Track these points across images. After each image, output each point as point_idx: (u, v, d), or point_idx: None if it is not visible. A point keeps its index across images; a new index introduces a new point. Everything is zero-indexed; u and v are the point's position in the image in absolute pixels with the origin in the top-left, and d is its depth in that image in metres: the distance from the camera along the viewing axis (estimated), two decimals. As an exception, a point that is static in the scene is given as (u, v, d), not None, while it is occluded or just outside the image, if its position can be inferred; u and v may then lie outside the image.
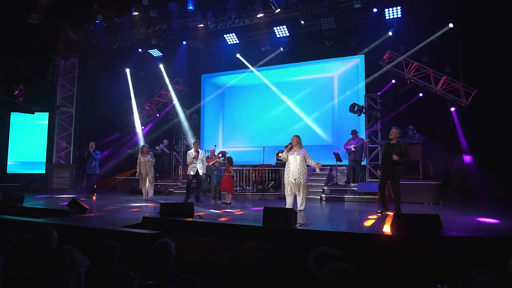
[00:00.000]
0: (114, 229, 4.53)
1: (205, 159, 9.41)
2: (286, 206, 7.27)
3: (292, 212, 4.85)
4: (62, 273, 1.57)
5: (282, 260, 4.52)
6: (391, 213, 6.71)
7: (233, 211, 7.38)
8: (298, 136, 7.43)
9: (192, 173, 8.99)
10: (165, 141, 13.63)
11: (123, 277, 2.48)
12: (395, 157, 6.59)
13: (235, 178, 10.78)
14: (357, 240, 4.33)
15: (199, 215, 5.95)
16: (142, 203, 8.90)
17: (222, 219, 6.15)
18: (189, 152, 9.19)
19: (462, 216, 6.67)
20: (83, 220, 5.81)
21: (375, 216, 6.47)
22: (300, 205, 7.17)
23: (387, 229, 4.94)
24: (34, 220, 4.89)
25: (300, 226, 5.00)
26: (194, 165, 8.95)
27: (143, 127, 14.46)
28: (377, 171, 7.27)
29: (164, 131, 14.20)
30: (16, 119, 12.92)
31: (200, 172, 9.00)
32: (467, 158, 10.26)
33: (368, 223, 5.73)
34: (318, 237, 4.44)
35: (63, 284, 1.56)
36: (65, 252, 1.67)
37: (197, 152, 9.04)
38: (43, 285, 1.54)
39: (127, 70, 14.21)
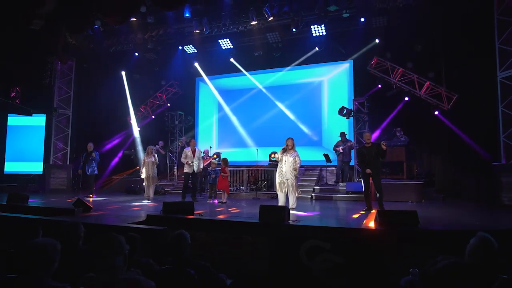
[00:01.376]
0: (125, 225, 4.95)
1: (201, 158, 9.81)
2: (279, 204, 7.76)
3: (286, 209, 5.33)
4: (113, 251, 2.02)
5: (276, 252, 4.98)
6: (374, 211, 7.25)
7: (230, 209, 7.84)
8: (292, 139, 7.85)
9: (189, 171, 9.38)
10: (161, 143, 13.99)
11: (145, 263, 2.92)
12: (383, 146, 7.19)
13: (230, 178, 11.25)
14: (344, 234, 4.83)
15: (199, 213, 6.38)
16: (141, 202, 9.28)
17: (220, 216, 6.60)
18: (185, 149, 9.58)
19: (441, 212, 7.25)
20: (91, 218, 6.20)
21: (361, 213, 7.00)
22: (292, 204, 7.65)
23: (371, 224, 5.46)
24: (57, 219, 5.26)
25: (293, 222, 5.48)
26: (191, 163, 9.34)
27: (139, 129, 14.80)
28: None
29: (159, 133, 14.56)
30: (13, 120, 13.18)
31: (196, 170, 9.40)
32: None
33: (354, 218, 6.25)
34: (309, 232, 4.92)
35: (114, 260, 2.00)
36: (113, 237, 2.11)
37: (194, 150, 9.45)
38: (99, 262, 1.99)
39: (123, 73, 14.55)
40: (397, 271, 4.33)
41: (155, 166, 10.02)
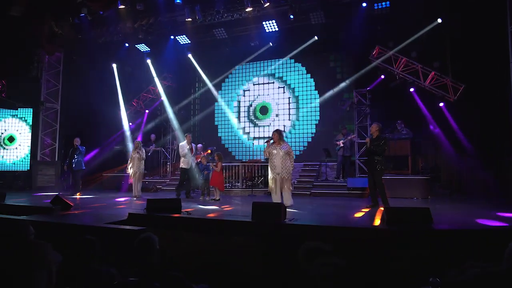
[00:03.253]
0: (97, 225, 4.39)
1: (195, 153, 9.28)
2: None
3: (282, 207, 4.76)
4: (32, 266, 1.47)
5: (271, 255, 4.44)
6: (381, 208, 6.70)
7: (222, 207, 7.28)
8: (278, 131, 7.23)
9: (185, 166, 8.85)
10: (153, 136, 13.47)
11: (103, 273, 2.35)
12: (367, 140, 6.69)
13: (226, 174, 10.68)
14: (348, 234, 4.28)
15: (187, 211, 5.83)
16: (129, 200, 8.72)
17: (211, 215, 6.04)
18: (181, 144, 9.08)
19: (450, 210, 6.68)
20: (67, 217, 5.64)
21: (365, 210, 6.44)
22: (287, 201, 7.04)
23: (378, 222, 4.90)
24: (13, 218, 4.70)
25: (290, 221, 4.93)
26: (188, 158, 8.82)
27: (130, 124, 14.24)
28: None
29: (152, 127, 13.98)
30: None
31: (193, 165, 8.88)
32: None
33: (357, 217, 5.69)
34: (308, 232, 4.37)
35: (33, 277, 1.45)
36: (36, 246, 1.56)
37: (191, 145, 8.94)
38: (16, 277, 1.44)
39: (114, 66, 13.95)
40: (410, 278, 3.79)
41: (142, 161, 9.43)
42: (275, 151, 7.11)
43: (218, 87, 14.39)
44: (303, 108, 13.00)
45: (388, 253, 3.99)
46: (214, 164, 8.64)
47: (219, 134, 14.49)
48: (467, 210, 6.83)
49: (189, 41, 12.73)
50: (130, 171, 9.32)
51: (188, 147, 8.89)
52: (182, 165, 8.98)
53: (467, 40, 9.82)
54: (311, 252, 4.24)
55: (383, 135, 7.17)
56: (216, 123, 14.59)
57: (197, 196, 9.42)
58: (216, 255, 4.76)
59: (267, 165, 10.73)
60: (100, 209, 6.91)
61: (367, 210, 6.57)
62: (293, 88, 13.19)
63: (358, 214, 5.99)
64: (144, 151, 9.58)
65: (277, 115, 13.46)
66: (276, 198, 7.14)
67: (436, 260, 3.79)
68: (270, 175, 7.26)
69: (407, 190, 8.65)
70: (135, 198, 8.96)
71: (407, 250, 3.96)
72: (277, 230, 4.54)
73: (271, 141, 7.25)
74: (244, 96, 14.09)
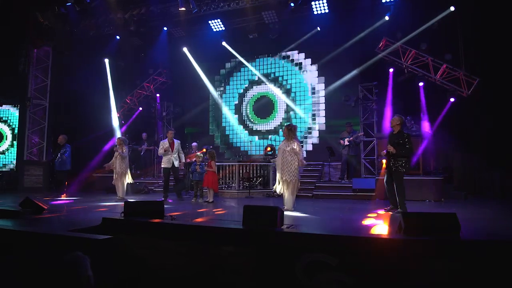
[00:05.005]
0: (57, 234, 3.67)
1: (181, 150, 8.54)
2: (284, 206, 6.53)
3: (278, 211, 4.03)
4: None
5: (265, 268, 3.73)
6: (389, 212, 5.97)
7: (214, 210, 6.55)
8: (288, 126, 6.64)
9: (167, 165, 8.18)
10: (144, 135, 12.79)
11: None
12: (390, 148, 5.85)
13: (221, 174, 9.97)
14: (356, 245, 3.54)
15: (171, 216, 5.10)
16: (116, 202, 7.97)
17: (199, 219, 5.33)
18: (162, 141, 8.37)
19: (472, 214, 5.90)
20: (32, 222, 4.93)
21: (375, 215, 5.71)
22: (286, 204, 6.41)
23: (393, 231, 4.16)
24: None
25: (288, 227, 4.20)
26: (169, 156, 8.13)
27: (123, 121, 13.58)
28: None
29: (147, 126, 13.29)
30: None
31: (176, 164, 8.17)
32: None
33: (367, 223, 4.94)
34: (309, 241, 3.64)
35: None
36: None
37: (172, 142, 8.22)
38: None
39: (106, 61, 13.26)
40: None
41: (126, 160, 8.68)
42: (281, 149, 6.50)
43: (214, 82, 13.69)
44: (301, 104, 12.27)
45: (407, 269, 3.26)
46: (206, 163, 7.91)
47: (214, 132, 13.77)
48: (492, 215, 6.08)
49: (184, 34, 12.04)
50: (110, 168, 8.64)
51: (166, 145, 8.22)
52: (162, 164, 8.36)
53: (482, 29, 9.12)
54: (312, 266, 3.53)
55: (405, 130, 6.41)
56: (211, 119, 13.86)
57: (190, 198, 8.70)
58: (201, 267, 4.06)
59: (266, 165, 10.11)
60: (76, 212, 6.19)
61: (383, 213, 5.85)
62: (292, 82, 12.45)
63: (368, 220, 5.24)
64: (126, 148, 8.82)
65: (277, 110, 12.73)
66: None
67: (468, 279, 3.05)
68: (277, 176, 6.67)
69: (419, 192, 7.91)
70: (119, 201, 8.25)
71: (430, 265, 3.23)
72: (272, 238, 3.81)
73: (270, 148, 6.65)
74: (242, 90, 13.35)
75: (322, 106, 11.88)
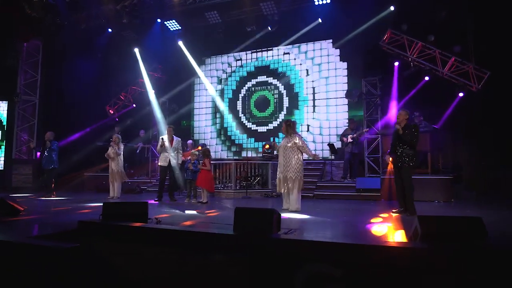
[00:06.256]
0: (11, 241, 3.15)
1: (180, 149, 8.07)
2: (283, 207, 6.03)
3: (274, 214, 3.52)
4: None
5: (259, 281, 3.22)
6: (398, 214, 5.48)
7: (207, 211, 6.05)
8: (286, 122, 6.28)
9: (163, 164, 7.73)
10: (142, 132, 12.33)
11: None
12: (396, 125, 5.44)
13: (217, 173, 9.49)
14: (364, 254, 3.02)
15: (157, 218, 4.61)
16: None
17: (187, 223, 4.83)
18: (161, 137, 7.91)
19: (490, 218, 5.37)
20: (2, 225, 4.43)
21: (382, 217, 5.20)
22: (292, 206, 5.96)
23: (406, 237, 3.66)
24: None
25: (286, 233, 3.70)
26: (167, 154, 7.66)
27: (117, 119, 13.10)
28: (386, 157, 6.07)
29: (142, 123, 12.80)
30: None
31: (173, 162, 7.70)
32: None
33: (375, 228, 4.43)
34: (310, 250, 3.14)
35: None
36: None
37: (171, 139, 7.75)
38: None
39: (99, 55, 12.76)
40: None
41: (119, 158, 8.24)
42: (282, 146, 6.12)
43: (210, 76, 13.20)
44: (299, 100, 11.76)
45: (425, 283, 2.76)
46: (201, 162, 7.40)
47: (211, 129, 13.27)
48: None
49: (179, 27, 11.54)
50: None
51: (163, 141, 7.80)
52: (159, 162, 7.96)
53: (493, 19, 8.57)
54: (313, 279, 3.03)
55: (418, 122, 5.95)
56: (209, 116, 13.36)
57: (183, 198, 8.20)
58: (187, 278, 3.56)
59: (264, 163, 9.60)
60: (56, 214, 5.70)
61: (391, 215, 5.35)
62: (291, 76, 11.94)
63: (375, 223, 4.72)
64: (118, 146, 8.35)
65: (275, 106, 12.22)
66: (285, 201, 6.14)
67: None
68: (277, 175, 6.25)
69: (427, 192, 7.41)
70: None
71: (452, 279, 2.72)
72: (267, 246, 3.30)
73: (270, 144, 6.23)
74: (239, 85, 12.84)
75: (325, 101, 11.34)
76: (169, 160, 7.79)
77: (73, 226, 4.38)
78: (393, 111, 9.22)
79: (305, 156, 6.28)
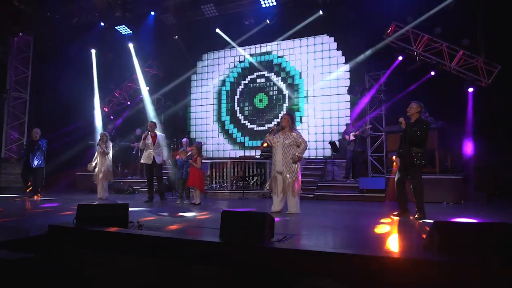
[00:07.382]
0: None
1: (165, 145, 7.64)
2: (272, 209, 5.53)
3: (267, 218, 3.05)
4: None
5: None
6: (411, 217, 5.01)
7: (198, 214, 5.58)
8: (290, 115, 5.77)
9: (147, 162, 7.35)
10: (138, 131, 11.88)
11: None
12: (401, 119, 5.10)
13: (213, 173, 9.03)
14: (372, 267, 2.56)
15: (139, 222, 4.15)
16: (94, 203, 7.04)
17: (173, 227, 4.37)
18: (144, 134, 7.49)
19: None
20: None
21: (388, 221, 4.72)
22: (292, 208, 5.47)
23: (414, 245, 3.18)
24: None
25: (280, 240, 3.23)
26: (150, 151, 7.23)
27: (112, 117, 12.69)
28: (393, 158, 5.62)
29: (136, 121, 12.37)
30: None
31: (158, 160, 7.26)
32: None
33: (382, 233, 3.95)
34: (308, 261, 2.68)
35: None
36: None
37: (154, 135, 7.31)
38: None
39: (93, 51, 12.35)
40: None
41: (107, 157, 7.81)
42: (279, 142, 5.54)
43: (206, 72, 12.76)
44: (299, 96, 11.30)
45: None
46: (193, 160, 6.95)
47: (207, 127, 12.83)
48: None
49: (175, 21, 11.10)
50: (92, 167, 7.75)
51: (145, 134, 7.41)
52: (142, 160, 7.57)
53: (505, 10, 8.09)
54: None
55: (424, 118, 5.50)
56: (205, 114, 12.92)
57: (175, 199, 7.75)
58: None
59: (262, 163, 9.14)
60: (33, 216, 5.25)
61: (392, 219, 4.88)
62: (290, 71, 11.48)
63: (381, 228, 4.25)
64: (110, 144, 7.94)
65: (273, 102, 11.77)
66: (275, 205, 5.61)
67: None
68: (272, 173, 5.77)
69: (435, 192, 6.94)
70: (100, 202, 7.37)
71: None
72: (257, 256, 2.84)
73: (276, 126, 5.78)
74: (237, 81, 12.39)
75: (328, 98, 10.86)
76: (153, 157, 7.36)
77: (42, 231, 3.95)
78: (398, 106, 8.77)
79: (305, 155, 5.83)
